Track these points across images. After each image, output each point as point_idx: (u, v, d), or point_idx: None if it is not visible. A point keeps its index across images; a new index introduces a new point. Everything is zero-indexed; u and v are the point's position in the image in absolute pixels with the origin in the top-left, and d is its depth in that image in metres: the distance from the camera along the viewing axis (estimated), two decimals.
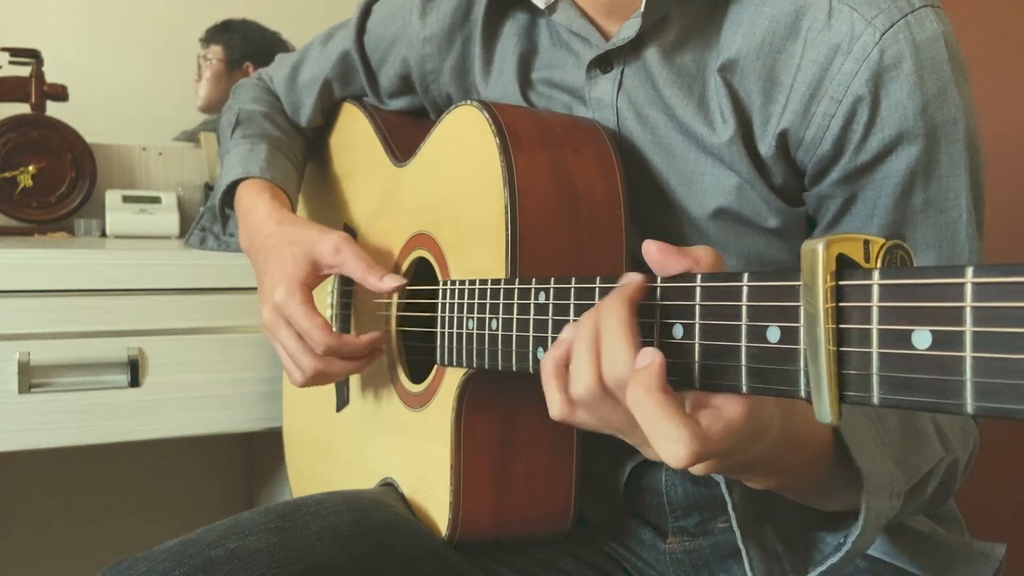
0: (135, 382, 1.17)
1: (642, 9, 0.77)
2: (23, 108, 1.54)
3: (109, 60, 1.74)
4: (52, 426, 1.13)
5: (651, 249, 0.54)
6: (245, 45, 1.78)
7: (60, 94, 1.54)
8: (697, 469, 0.54)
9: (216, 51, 1.78)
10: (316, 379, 0.90)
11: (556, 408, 0.58)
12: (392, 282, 0.85)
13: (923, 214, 0.75)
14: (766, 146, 0.77)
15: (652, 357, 0.50)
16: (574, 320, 0.58)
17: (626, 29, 0.80)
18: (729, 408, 0.50)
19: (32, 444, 1.13)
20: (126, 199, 1.58)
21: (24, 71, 1.53)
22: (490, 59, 0.94)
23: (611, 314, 0.53)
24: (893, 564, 0.79)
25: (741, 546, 0.62)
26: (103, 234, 1.57)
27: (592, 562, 0.89)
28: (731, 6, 0.78)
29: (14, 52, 1.51)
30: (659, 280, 0.54)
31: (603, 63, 0.83)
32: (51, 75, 1.54)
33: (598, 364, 0.53)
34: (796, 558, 0.63)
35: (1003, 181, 1.32)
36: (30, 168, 1.52)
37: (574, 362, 0.55)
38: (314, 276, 0.89)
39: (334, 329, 1.02)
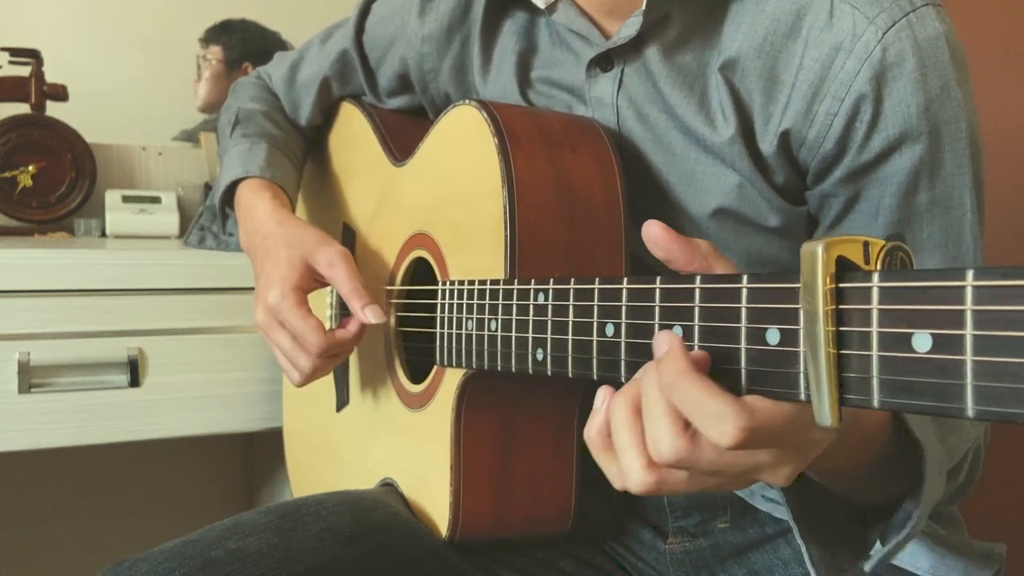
0: (135, 382, 1.17)
1: (643, 8, 0.77)
2: (23, 108, 1.53)
3: (109, 60, 1.73)
4: (52, 426, 1.13)
5: (654, 229, 0.52)
6: (244, 45, 1.78)
7: (60, 94, 1.54)
8: (778, 471, 0.50)
9: (215, 51, 1.78)
10: (314, 377, 0.90)
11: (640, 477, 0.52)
12: (372, 316, 0.85)
13: (928, 213, 0.75)
14: (767, 145, 0.77)
15: (670, 341, 0.49)
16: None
17: (627, 28, 0.80)
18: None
19: (32, 444, 1.13)
20: (126, 199, 1.58)
21: (24, 71, 1.53)
22: (489, 58, 0.94)
23: (689, 385, 0.48)
24: (893, 564, 0.79)
25: (800, 541, 0.59)
26: (103, 234, 1.57)
27: (592, 562, 0.89)
28: (732, 5, 0.78)
29: (14, 52, 1.50)
30: (658, 282, 0.54)
31: (603, 62, 0.83)
32: (51, 75, 1.54)
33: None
34: (847, 552, 0.61)
35: (1003, 181, 1.32)
36: (30, 168, 1.52)
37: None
38: (309, 279, 0.89)
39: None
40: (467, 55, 0.95)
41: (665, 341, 0.50)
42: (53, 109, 1.55)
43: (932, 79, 0.72)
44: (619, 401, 0.52)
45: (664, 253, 0.53)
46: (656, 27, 0.80)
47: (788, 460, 0.50)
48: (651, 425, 0.49)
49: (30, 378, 1.11)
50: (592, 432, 0.54)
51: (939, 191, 0.75)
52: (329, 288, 1.03)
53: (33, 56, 1.52)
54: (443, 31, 0.95)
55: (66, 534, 1.67)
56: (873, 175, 0.75)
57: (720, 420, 0.45)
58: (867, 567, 0.60)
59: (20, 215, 1.53)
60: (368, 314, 0.85)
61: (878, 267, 0.43)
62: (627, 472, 0.51)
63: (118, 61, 1.74)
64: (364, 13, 1.05)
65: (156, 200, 1.60)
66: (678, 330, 0.52)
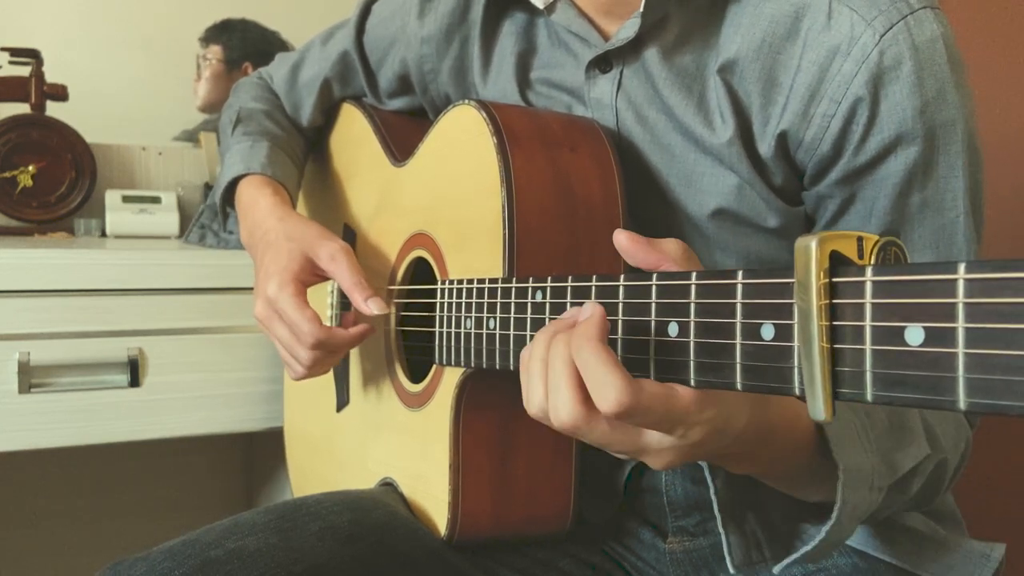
0: (135, 382, 1.17)
1: (641, 9, 0.77)
2: (23, 108, 1.53)
3: (109, 60, 1.74)
4: (52, 426, 1.13)
5: (621, 239, 0.57)
6: (244, 45, 1.78)
7: (60, 94, 1.54)
8: (661, 455, 0.55)
9: (215, 51, 1.78)
10: (314, 370, 0.90)
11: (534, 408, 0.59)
12: (375, 307, 0.84)
13: (920, 214, 0.75)
14: (766, 146, 0.77)
15: (593, 310, 0.53)
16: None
17: (625, 29, 0.80)
18: (680, 388, 0.52)
19: (32, 444, 1.13)
20: (126, 199, 1.58)
21: (24, 71, 1.53)
22: (488, 59, 0.94)
23: (590, 353, 0.53)
24: (893, 564, 0.79)
25: (720, 530, 0.63)
26: (103, 234, 1.57)
27: (592, 562, 0.89)
28: (730, 6, 0.78)
29: (14, 52, 1.51)
30: (655, 278, 0.54)
31: (602, 63, 0.83)
32: (51, 75, 1.54)
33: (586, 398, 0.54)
34: (776, 545, 0.64)
35: (1002, 183, 1.32)
36: (30, 168, 1.52)
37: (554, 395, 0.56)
38: (309, 273, 0.89)
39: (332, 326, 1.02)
40: (467, 56, 0.96)
41: (589, 309, 0.54)
42: (53, 109, 1.55)
43: (929, 82, 0.72)
44: (538, 352, 0.56)
45: (632, 262, 0.57)
46: (655, 29, 0.80)
47: (668, 451, 0.55)
48: (554, 393, 0.55)
49: (30, 378, 1.11)
50: (525, 355, 0.59)
51: (931, 193, 0.75)
52: (329, 287, 1.03)
53: (33, 56, 1.52)
54: (442, 32, 0.95)
55: (66, 534, 1.67)
56: (868, 177, 0.75)
57: (605, 387, 0.50)
58: (775, 569, 0.63)
59: (20, 215, 1.53)
60: (371, 306, 0.84)
61: (872, 262, 0.43)
62: (527, 398, 0.58)
63: (118, 61, 1.74)
64: (364, 14, 1.06)
65: (156, 200, 1.60)
66: (674, 327, 0.52)
